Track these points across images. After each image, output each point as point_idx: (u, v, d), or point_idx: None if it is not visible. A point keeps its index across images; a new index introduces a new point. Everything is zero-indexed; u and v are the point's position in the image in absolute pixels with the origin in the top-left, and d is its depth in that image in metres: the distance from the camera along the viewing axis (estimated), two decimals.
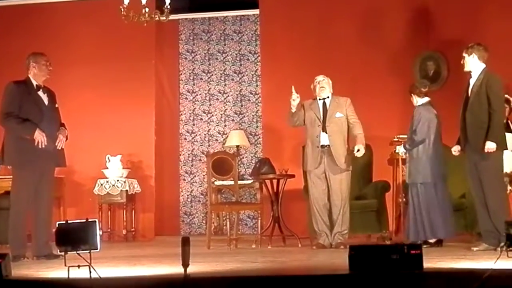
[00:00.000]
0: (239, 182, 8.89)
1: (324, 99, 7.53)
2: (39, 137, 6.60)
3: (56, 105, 6.93)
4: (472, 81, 6.68)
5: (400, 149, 7.48)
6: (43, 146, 6.61)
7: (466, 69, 6.74)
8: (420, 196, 7.16)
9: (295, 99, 7.48)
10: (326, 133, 7.44)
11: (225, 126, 11.02)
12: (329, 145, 7.41)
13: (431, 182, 7.15)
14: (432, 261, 5.15)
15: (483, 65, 6.67)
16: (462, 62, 6.74)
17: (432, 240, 7.15)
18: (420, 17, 9.63)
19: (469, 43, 6.88)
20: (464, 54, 6.74)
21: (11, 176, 6.92)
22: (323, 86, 7.52)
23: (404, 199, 8.04)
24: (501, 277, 4.24)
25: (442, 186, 7.20)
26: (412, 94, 7.35)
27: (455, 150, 6.87)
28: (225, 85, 11.08)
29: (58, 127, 6.86)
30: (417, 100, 7.32)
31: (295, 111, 7.54)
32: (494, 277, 4.19)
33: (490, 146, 6.47)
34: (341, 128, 7.48)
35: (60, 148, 6.81)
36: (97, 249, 4.63)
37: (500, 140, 6.56)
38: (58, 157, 6.85)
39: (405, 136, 7.60)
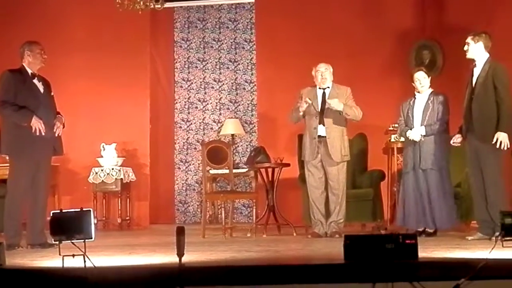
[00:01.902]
0: (234, 170, 8.88)
1: (324, 88, 7.51)
2: (36, 124, 6.57)
3: (52, 93, 6.92)
4: (476, 71, 6.63)
5: (415, 133, 7.16)
6: (42, 134, 6.59)
7: (469, 56, 6.69)
8: (433, 181, 7.09)
9: (304, 106, 7.41)
10: (324, 125, 7.42)
11: (220, 114, 10.99)
12: (325, 137, 7.40)
13: (444, 167, 7.13)
14: (427, 251, 5.16)
15: (487, 55, 6.64)
16: (465, 48, 6.67)
17: (431, 230, 7.16)
18: (415, 5, 9.61)
19: (466, 31, 6.85)
20: (469, 41, 6.67)
21: (7, 165, 6.90)
22: (325, 77, 7.48)
23: (397, 187, 8.04)
24: (496, 267, 4.25)
25: (449, 173, 7.20)
26: (429, 77, 7.29)
27: (456, 140, 6.81)
28: (220, 73, 11.05)
29: (55, 115, 6.84)
30: (427, 87, 7.26)
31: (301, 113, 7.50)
32: (489, 267, 4.19)
33: (502, 136, 6.44)
34: (339, 120, 7.46)
35: (57, 135, 6.80)
36: (91, 238, 4.63)
37: (508, 129, 6.52)
38: (55, 145, 6.83)
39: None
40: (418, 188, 7.16)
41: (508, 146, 6.49)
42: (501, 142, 6.44)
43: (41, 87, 6.79)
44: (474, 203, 6.74)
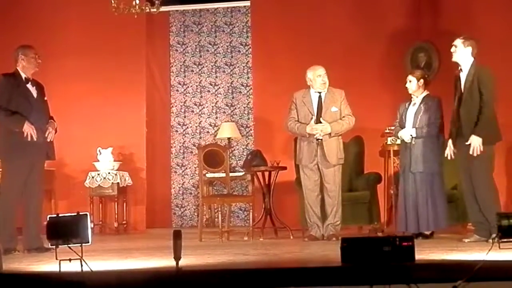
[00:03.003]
0: (231, 174, 8.88)
1: (319, 92, 7.50)
2: (28, 129, 6.57)
3: (45, 98, 6.91)
4: (463, 76, 6.64)
5: (405, 133, 7.22)
6: (34, 139, 6.59)
7: (455, 59, 6.68)
8: (423, 185, 7.10)
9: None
10: None
11: (217, 118, 10.99)
12: (322, 140, 7.39)
13: (436, 171, 7.14)
14: (424, 253, 5.16)
15: (472, 59, 6.63)
16: (453, 50, 6.66)
17: (428, 232, 7.16)
18: (411, 7, 9.62)
19: (461, 34, 6.85)
20: (458, 43, 6.65)
21: (0, 170, 6.90)
22: (325, 81, 7.47)
23: (394, 190, 8.04)
24: (493, 268, 4.25)
25: (442, 177, 7.21)
26: (423, 80, 7.27)
27: (449, 151, 6.79)
28: (216, 77, 11.05)
29: (48, 119, 6.83)
30: (422, 89, 7.26)
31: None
32: (486, 268, 4.19)
33: (475, 140, 6.45)
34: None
35: (49, 141, 6.78)
36: (88, 242, 4.62)
37: (492, 132, 6.54)
38: (47, 150, 6.83)
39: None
40: (407, 191, 7.17)
41: (481, 151, 6.46)
42: (474, 147, 6.45)
43: (34, 92, 6.79)
44: (467, 206, 6.75)
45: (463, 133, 6.61)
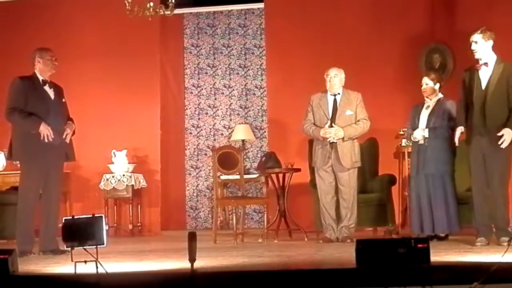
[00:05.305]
0: (245, 176, 8.89)
1: (335, 94, 7.50)
2: (45, 131, 6.60)
3: (63, 100, 6.94)
4: (487, 72, 6.32)
5: (417, 133, 7.16)
6: (50, 140, 6.61)
7: (478, 56, 6.34)
8: (436, 187, 7.06)
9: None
10: None
11: (231, 120, 11.01)
12: (336, 143, 7.38)
13: (448, 173, 7.10)
14: (439, 255, 5.15)
15: (495, 55, 6.36)
16: (474, 47, 6.31)
17: (443, 234, 7.13)
18: (425, 8, 9.60)
19: (474, 29, 6.63)
20: (478, 39, 6.32)
21: (19, 172, 6.93)
22: (334, 83, 7.46)
23: (408, 192, 8.01)
24: (509, 270, 4.23)
25: (454, 178, 7.17)
26: (439, 83, 7.23)
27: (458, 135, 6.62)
28: (230, 79, 11.07)
29: (65, 121, 6.85)
30: (437, 92, 7.23)
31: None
32: (502, 270, 4.18)
33: (508, 134, 6.16)
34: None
35: (67, 142, 6.81)
36: (103, 244, 4.64)
37: None
38: (66, 151, 6.85)
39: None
40: (421, 193, 7.14)
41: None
42: (505, 140, 6.18)
43: (51, 94, 6.82)
44: (475, 208, 6.48)
45: (488, 132, 6.30)
